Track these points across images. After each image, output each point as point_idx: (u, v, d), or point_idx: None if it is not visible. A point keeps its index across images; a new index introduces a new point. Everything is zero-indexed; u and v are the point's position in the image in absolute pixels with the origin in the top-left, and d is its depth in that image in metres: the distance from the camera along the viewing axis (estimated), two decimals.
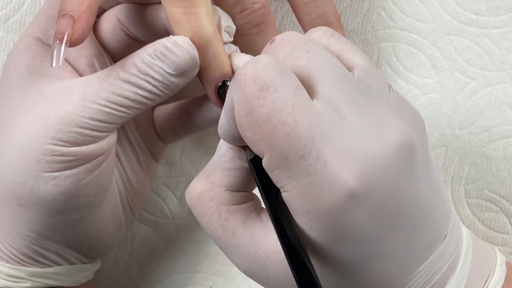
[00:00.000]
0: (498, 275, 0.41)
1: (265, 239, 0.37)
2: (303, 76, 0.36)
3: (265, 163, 0.35)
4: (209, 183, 0.39)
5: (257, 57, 0.36)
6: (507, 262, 0.42)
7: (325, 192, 0.34)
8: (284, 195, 0.35)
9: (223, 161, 0.39)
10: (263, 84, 0.34)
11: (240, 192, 0.39)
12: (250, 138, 0.35)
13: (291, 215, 0.36)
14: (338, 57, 0.37)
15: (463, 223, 0.51)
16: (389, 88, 0.38)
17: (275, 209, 0.36)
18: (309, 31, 0.39)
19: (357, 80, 0.36)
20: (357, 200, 0.34)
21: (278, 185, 0.35)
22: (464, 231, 0.41)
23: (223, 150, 0.39)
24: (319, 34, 0.38)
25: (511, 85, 0.50)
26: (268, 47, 0.37)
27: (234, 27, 0.43)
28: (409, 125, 0.36)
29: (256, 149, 0.35)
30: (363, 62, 0.37)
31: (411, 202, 0.36)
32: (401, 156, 0.35)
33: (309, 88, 0.35)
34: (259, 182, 0.36)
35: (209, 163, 0.40)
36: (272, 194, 0.36)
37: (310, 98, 0.35)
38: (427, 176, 0.37)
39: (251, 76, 0.35)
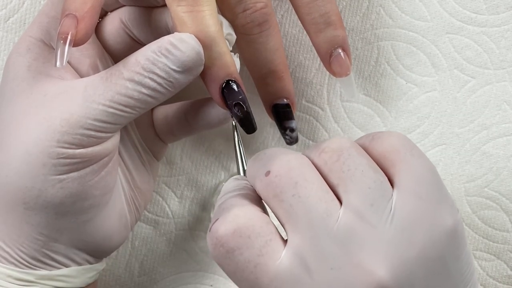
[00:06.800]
0: None
1: None
2: (282, 219, 0.37)
3: None
4: None
5: (228, 216, 0.38)
6: None
7: None
8: None
9: None
10: (229, 249, 0.37)
11: None
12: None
13: None
14: (336, 186, 0.37)
15: (463, 221, 0.52)
16: (391, 210, 0.36)
17: None
18: (320, 152, 0.38)
19: (338, 228, 0.36)
20: None
21: None
22: None
23: None
24: (326, 157, 0.38)
25: (510, 83, 0.51)
26: (262, 179, 0.38)
27: (234, 36, 0.43)
28: (402, 258, 0.35)
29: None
30: (356, 199, 0.36)
31: None
32: None
33: (285, 232, 0.37)
34: None
35: None
36: None
37: (280, 249, 0.37)
38: None
39: (220, 240, 0.37)
